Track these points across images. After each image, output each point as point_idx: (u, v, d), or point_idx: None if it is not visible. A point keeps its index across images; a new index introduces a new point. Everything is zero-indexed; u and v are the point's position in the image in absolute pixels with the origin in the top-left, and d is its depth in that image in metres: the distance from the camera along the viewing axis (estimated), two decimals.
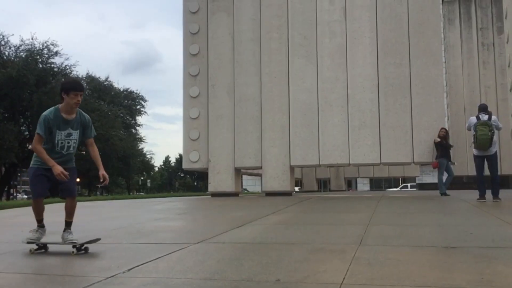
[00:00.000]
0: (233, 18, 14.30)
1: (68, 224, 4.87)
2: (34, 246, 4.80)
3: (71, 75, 36.39)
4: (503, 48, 15.86)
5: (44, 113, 4.63)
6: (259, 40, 13.90)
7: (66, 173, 4.46)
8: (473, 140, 9.31)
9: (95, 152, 4.92)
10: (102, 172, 4.69)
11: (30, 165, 4.80)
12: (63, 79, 4.84)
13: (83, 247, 4.69)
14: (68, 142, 4.68)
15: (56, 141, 4.62)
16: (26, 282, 3.69)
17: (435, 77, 12.61)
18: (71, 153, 4.77)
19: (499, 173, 9.65)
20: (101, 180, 4.64)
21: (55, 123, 4.59)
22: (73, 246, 4.65)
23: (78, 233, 6.19)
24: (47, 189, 4.81)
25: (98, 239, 4.88)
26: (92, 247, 5.16)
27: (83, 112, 4.81)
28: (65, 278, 3.77)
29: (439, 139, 11.90)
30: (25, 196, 53.49)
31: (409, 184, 44.18)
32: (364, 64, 12.95)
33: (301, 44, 13.47)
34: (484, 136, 9.01)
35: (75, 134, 4.72)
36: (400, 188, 41.82)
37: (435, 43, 12.81)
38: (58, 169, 4.43)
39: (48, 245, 4.92)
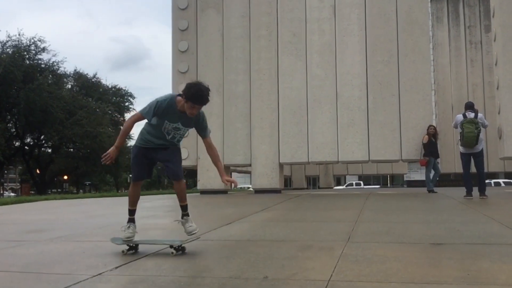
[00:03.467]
0: (223, 15, 14.26)
1: (183, 208, 4.46)
2: (126, 247, 4.43)
3: (58, 72, 36.09)
4: (491, 46, 16.00)
5: (159, 98, 4.26)
6: (249, 37, 13.88)
7: (109, 155, 4.25)
8: (459, 138, 9.39)
9: (214, 156, 4.43)
10: (224, 178, 4.33)
11: (134, 144, 4.56)
12: (187, 85, 4.20)
13: (181, 247, 4.34)
14: (174, 133, 4.34)
15: (162, 128, 4.30)
16: (12, 280, 3.65)
17: (423, 75, 12.69)
18: (174, 142, 4.43)
19: (486, 170, 9.75)
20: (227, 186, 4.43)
21: (166, 112, 4.23)
22: (171, 246, 4.30)
23: (65, 231, 6.16)
24: (146, 172, 4.54)
25: (195, 237, 4.50)
26: (79, 245, 5.13)
27: (202, 112, 4.38)
28: (52, 276, 3.74)
29: (427, 138, 11.95)
30: (12, 194, 52.96)
31: (354, 182, 43.26)
32: (353, 62, 12.99)
33: (290, 41, 13.48)
34: (470, 134, 9.09)
35: (184, 130, 4.38)
36: (346, 186, 40.35)
37: (423, 41, 12.88)
38: (111, 150, 4.26)
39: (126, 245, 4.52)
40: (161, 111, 4.22)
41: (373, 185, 47.03)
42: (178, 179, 4.40)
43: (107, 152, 4.31)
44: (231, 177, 4.51)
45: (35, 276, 3.76)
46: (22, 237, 5.82)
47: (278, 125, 13.41)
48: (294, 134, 13.22)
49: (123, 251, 4.39)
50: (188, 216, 4.44)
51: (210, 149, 4.42)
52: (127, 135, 4.35)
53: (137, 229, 4.53)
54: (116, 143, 4.38)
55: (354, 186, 39.17)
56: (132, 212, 4.58)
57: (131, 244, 4.44)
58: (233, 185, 4.43)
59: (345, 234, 5.16)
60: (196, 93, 4.08)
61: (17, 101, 31.58)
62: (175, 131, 4.34)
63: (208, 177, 13.68)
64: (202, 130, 4.42)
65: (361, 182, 43.86)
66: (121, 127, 34.16)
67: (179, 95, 4.24)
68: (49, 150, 39.35)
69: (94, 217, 8.11)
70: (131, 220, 4.56)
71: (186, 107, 4.14)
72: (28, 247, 5.08)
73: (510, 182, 30.78)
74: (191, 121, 4.31)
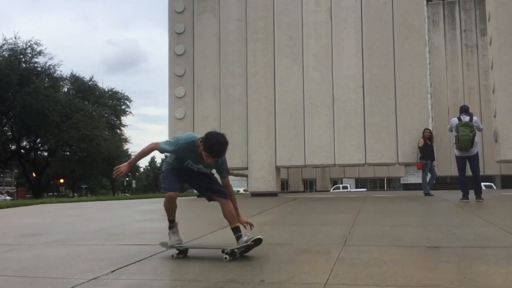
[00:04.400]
0: (219, 18, 14.29)
1: (236, 230, 4.28)
2: (175, 251, 4.36)
3: (55, 75, 36.02)
4: (486, 50, 16.08)
5: (183, 140, 4.20)
6: (245, 40, 13.90)
7: (120, 169, 4.21)
8: (455, 141, 9.42)
9: (230, 196, 4.39)
10: (243, 220, 4.36)
11: (165, 168, 4.44)
12: (207, 135, 4.25)
13: (233, 251, 4.20)
14: (199, 168, 4.34)
15: (184, 164, 4.31)
16: (7, 285, 3.63)
17: (419, 79, 12.72)
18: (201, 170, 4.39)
19: (482, 173, 9.78)
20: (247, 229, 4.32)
21: (189, 155, 4.24)
22: (223, 251, 4.18)
23: (61, 235, 6.14)
24: (180, 182, 4.40)
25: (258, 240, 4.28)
26: (75, 249, 5.11)
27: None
28: (47, 280, 3.72)
29: (423, 142, 11.97)
30: (8, 198, 52.78)
31: (341, 185, 42.61)
32: (349, 65, 13.03)
33: (287, 45, 13.50)
34: (465, 137, 9.12)
35: (206, 170, 4.36)
36: (333, 189, 38.21)
37: (420, 44, 12.93)
38: (123, 166, 4.26)
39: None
40: (180, 152, 4.23)
41: (371, 188, 46.98)
42: (226, 196, 4.34)
43: (119, 166, 4.30)
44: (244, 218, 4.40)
45: (30, 280, 3.75)
46: (18, 241, 5.79)
47: (275, 128, 13.42)
48: (291, 137, 13.23)
49: (172, 256, 4.29)
50: (241, 236, 4.29)
51: (226, 189, 4.40)
52: (142, 158, 4.34)
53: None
54: (130, 160, 4.47)
55: (341, 189, 38.90)
56: (172, 221, 4.49)
57: (181, 249, 4.37)
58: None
59: (342, 237, 5.16)
60: (214, 147, 4.07)
61: (13, 104, 31.52)
62: (198, 169, 4.35)
63: None
64: (222, 172, 4.40)
65: (348, 185, 43.68)
66: (118, 131, 33.84)
67: (200, 139, 4.19)
68: (45, 154, 39.26)
69: (90, 221, 8.09)
70: (173, 227, 4.49)
71: (203, 154, 4.13)
72: (23, 251, 5.06)
73: (490, 185, 30.51)
74: (212, 165, 4.29)
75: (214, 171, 4.35)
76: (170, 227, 4.48)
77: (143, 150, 4.36)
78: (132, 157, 4.42)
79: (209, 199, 4.46)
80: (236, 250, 4.18)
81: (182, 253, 4.36)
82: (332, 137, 12.96)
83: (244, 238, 4.22)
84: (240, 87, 13.85)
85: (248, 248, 4.22)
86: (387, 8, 12.96)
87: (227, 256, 4.12)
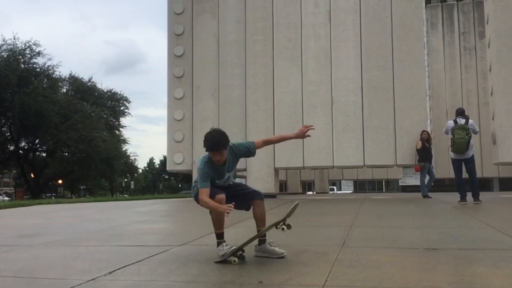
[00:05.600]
0: (218, 20, 14.30)
1: (259, 232, 4.26)
2: (235, 258, 4.08)
3: (53, 76, 36.02)
4: (485, 53, 16.11)
5: (201, 166, 4.16)
6: (244, 42, 13.91)
7: (229, 206, 3.88)
8: (450, 144, 9.44)
9: (275, 139, 4.96)
10: (296, 134, 4.44)
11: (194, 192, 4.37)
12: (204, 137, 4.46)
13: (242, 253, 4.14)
14: (227, 179, 4.33)
15: (216, 182, 4.26)
16: (6, 285, 3.63)
17: (418, 81, 12.74)
18: (231, 181, 4.41)
19: (481, 175, 9.79)
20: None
21: (213, 173, 4.20)
22: (233, 254, 4.09)
23: (59, 236, 6.13)
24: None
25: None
26: (73, 250, 5.10)
27: (233, 147, 4.28)
28: (45, 281, 3.72)
29: (421, 144, 11.99)
30: (6, 198, 52.70)
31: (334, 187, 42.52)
32: (348, 67, 13.04)
33: (285, 46, 13.51)
34: (461, 140, 9.14)
35: (232, 173, 4.37)
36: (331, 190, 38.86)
37: (418, 47, 12.95)
38: (223, 208, 3.91)
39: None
40: (211, 174, 4.18)
41: (369, 190, 46.91)
42: (262, 198, 4.34)
43: (225, 207, 3.95)
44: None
45: (28, 281, 3.74)
46: (16, 241, 5.79)
47: (274, 129, 13.41)
48: None
49: (234, 261, 4.06)
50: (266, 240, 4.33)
51: (269, 143, 4.59)
52: (213, 203, 4.03)
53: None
54: (219, 209, 4.01)
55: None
56: (220, 235, 4.26)
57: (237, 254, 4.12)
58: None
59: (340, 239, 5.16)
60: (209, 143, 4.11)
61: (12, 105, 31.47)
62: (227, 180, 4.33)
63: None
64: (248, 154, 4.36)
65: (334, 187, 43.66)
66: (116, 132, 33.72)
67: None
68: (44, 154, 39.21)
69: (89, 222, 8.08)
70: (222, 242, 4.26)
71: (210, 156, 4.16)
72: (21, 251, 5.05)
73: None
74: (231, 163, 4.27)
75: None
76: (219, 243, 4.21)
77: (204, 204, 4.08)
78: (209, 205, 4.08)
79: (248, 209, 4.39)
80: (286, 221, 4.21)
81: (240, 258, 4.13)
82: (331, 139, 12.96)
83: (278, 251, 4.26)
84: (239, 89, 13.86)
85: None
86: (385, 10, 12.98)
87: (236, 259, 4.03)
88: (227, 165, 4.23)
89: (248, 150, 4.33)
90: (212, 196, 4.07)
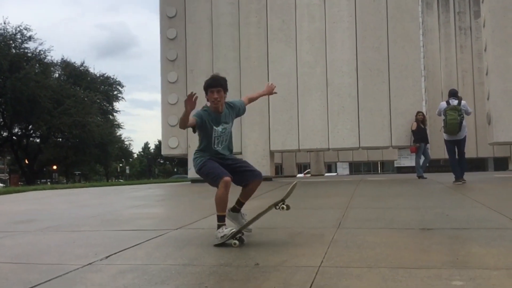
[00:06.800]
0: (211, 1, 14.13)
1: (241, 204, 4.47)
2: (235, 241, 4.06)
3: (45, 61, 35.66)
4: (480, 32, 16.04)
5: (195, 111, 4.21)
6: (238, 24, 13.77)
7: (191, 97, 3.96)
8: (443, 125, 9.46)
9: (253, 98, 4.89)
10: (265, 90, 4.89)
11: (196, 167, 4.36)
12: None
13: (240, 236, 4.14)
14: (223, 137, 4.33)
15: (212, 138, 4.28)
16: (2, 270, 3.62)
17: (413, 61, 12.69)
18: (226, 146, 4.40)
19: (476, 155, 9.82)
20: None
21: (209, 118, 4.25)
22: (233, 237, 4.06)
23: (54, 221, 6.12)
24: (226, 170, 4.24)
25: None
26: (69, 235, 5.10)
27: (229, 103, 4.43)
28: (42, 266, 3.72)
29: (416, 125, 12.00)
30: (1, 185, 52.57)
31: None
32: (343, 48, 12.96)
33: (280, 28, 13.39)
34: (453, 121, 9.16)
35: (229, 127, 4.40)
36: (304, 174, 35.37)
37: (413, 27, 12.88)
38: (186, 103, 3.98)
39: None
40: (207, 118, 4.25)
41: (365, 172, 47.13)
42: (261, 178, 4.49)
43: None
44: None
45: (25, 267, 3.74)
46: (11, 227, 5.77)
47: (269, 112, 13.36)
48: (284, 121, 13.19)
49: (234, 243, 4.03)
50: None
51: (251, 100, 4.83)
52: (185, 121, 4.14)
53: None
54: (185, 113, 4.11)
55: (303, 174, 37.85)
56: (221, 218, 4.18)
57: (237, 236, 4.10)
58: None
59: (336, 220, 5.18)
60: (208, 81, 4.31)
61: (4, 90, 31.20)
62: (223, 134, 4.34)
63: None
64: (242, 111, 4.60)
65: (337, 173, 43.63)
66: (110, 116, 33.44)
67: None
68: (38, 140, 39.02)
69: (84, 207, 8.07)
70: (223, 225, 4.17)
71: (210, 101, 4.28)
72: (17, 237, 5.04)
73: None
74: (228, 116, 4.39)
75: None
76: (220, 226, 4.14)
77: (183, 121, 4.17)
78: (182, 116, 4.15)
79: (246, 186, 4.45)
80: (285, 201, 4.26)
81: (239, 240, 4.11)
82: (326, 121, 12.94)
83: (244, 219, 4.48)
84: (233, 71, 13.73)
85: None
86: None
87: (237, 242, 4.05)
88: (223, 114, 4.34)
89: (242, 106, 4.61)
90: (219, 175, 4.14)
